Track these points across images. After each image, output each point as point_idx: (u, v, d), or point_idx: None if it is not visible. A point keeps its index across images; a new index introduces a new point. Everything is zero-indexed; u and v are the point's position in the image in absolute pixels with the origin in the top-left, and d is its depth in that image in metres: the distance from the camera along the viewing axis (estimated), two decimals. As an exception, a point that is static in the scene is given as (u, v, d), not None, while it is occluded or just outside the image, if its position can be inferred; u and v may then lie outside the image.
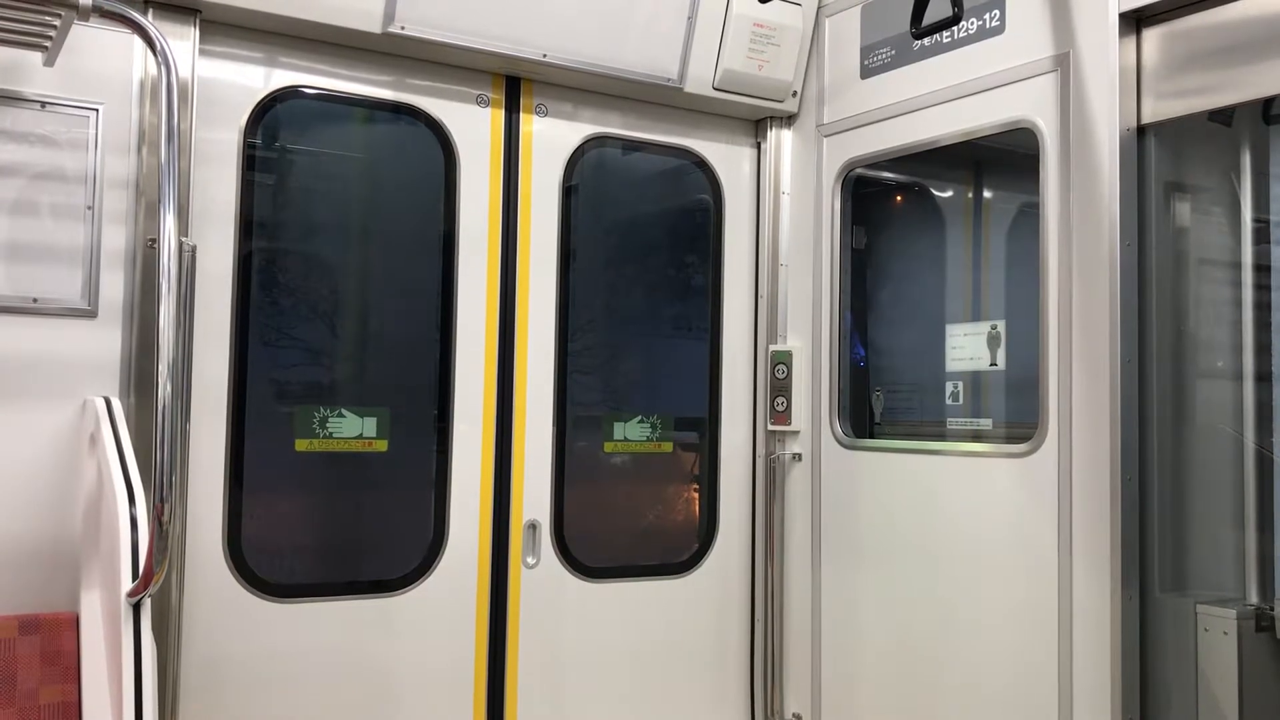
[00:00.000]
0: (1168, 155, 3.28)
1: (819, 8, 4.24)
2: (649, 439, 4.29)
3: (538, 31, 3.80)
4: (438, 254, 3.85)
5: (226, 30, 3.47)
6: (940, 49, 3.73)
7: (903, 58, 3.88)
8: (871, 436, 4.25)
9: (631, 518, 4.39)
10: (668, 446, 4.35)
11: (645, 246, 4.49)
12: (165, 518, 2.47)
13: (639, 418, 4.26)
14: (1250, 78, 2.99)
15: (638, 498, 4.40)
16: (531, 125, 4.02)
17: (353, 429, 3.68)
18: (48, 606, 3.07)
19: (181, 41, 3.31)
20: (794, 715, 4.22)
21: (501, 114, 3.96)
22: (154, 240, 3.16)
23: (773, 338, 4.37)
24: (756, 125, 4.48)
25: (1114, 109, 3.19)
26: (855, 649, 3.98)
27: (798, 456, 4.25)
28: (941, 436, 4.03)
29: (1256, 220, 3.37)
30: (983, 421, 3.96)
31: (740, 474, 4.40)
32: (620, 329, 4.39)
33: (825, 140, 4.22)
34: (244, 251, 3.51)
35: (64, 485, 3.13)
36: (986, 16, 3.58)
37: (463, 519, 3.81)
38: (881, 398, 4.38)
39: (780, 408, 4.27)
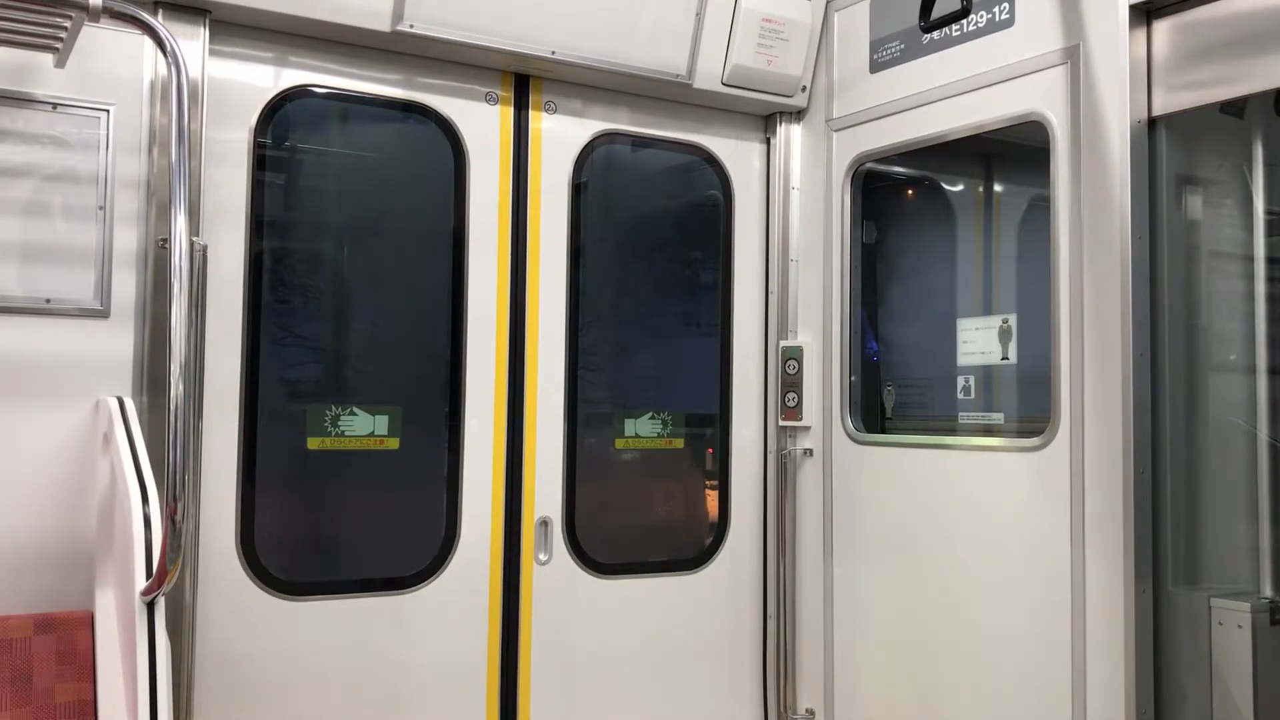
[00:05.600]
0: (1179, 148, 3.26)
1: (828, 2, 4.22)
2: (660, 435, 4.29)
3: (546, 29, 3.80)
4: (448, 252, 3.85)
5: (236, 30, 3.48)
6: (950, 42, 3.72)
7: (912, 52, 3.87)
8: (883, 432, 4.25)
9: (643, 514, 4.40)
10: (679, 443, 4.35)
11: (655, 243, 4.49)
12: (178, 516, 2.48)
13: (650, 414, 4.27)
14: (1261, 69, 2.97)
15: (649, 494, 4.40)
16: (541, 122, 4.02)
17: (364, 427, 3.69)
18: (63, 606, 3.09)
19: (191, 42, 3.32)
20: (807, 710, 4.22)
21: (510, 111, 3.96)
22: (165, 240, 3.17)
23: (783, 333, 4.37)
24: (766, 121, 4.47)
25: (1124, 101, 3.18)
26: (868, 644, 3.98)
27: (809, 452, 4.24)
28: (953, 431, 4.02)
29: (1269, 212, 3.36)
30: (994, 416, 3.95)
31: (752, 470, 4.40)
32: (630, 325, 4.39)
33: (835, 135, 4.21)
34: (255, 251, 3.52)
35: (78, 485, 3.15)
36: (996, 9, 3.57)
37: (474, 516, 3.82)
38: (893, 393, 4.37)
39: (791, 403, 4.26)
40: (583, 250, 4.09)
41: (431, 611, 3.73)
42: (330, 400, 3.67)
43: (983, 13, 3.60)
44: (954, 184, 4.49)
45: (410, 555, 3.77)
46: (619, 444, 4.22)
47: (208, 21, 3.38)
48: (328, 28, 3.54)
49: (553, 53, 3.83)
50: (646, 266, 4.45)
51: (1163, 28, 3.19)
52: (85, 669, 2.97)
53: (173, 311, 2.60)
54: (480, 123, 3.90)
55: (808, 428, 4.24)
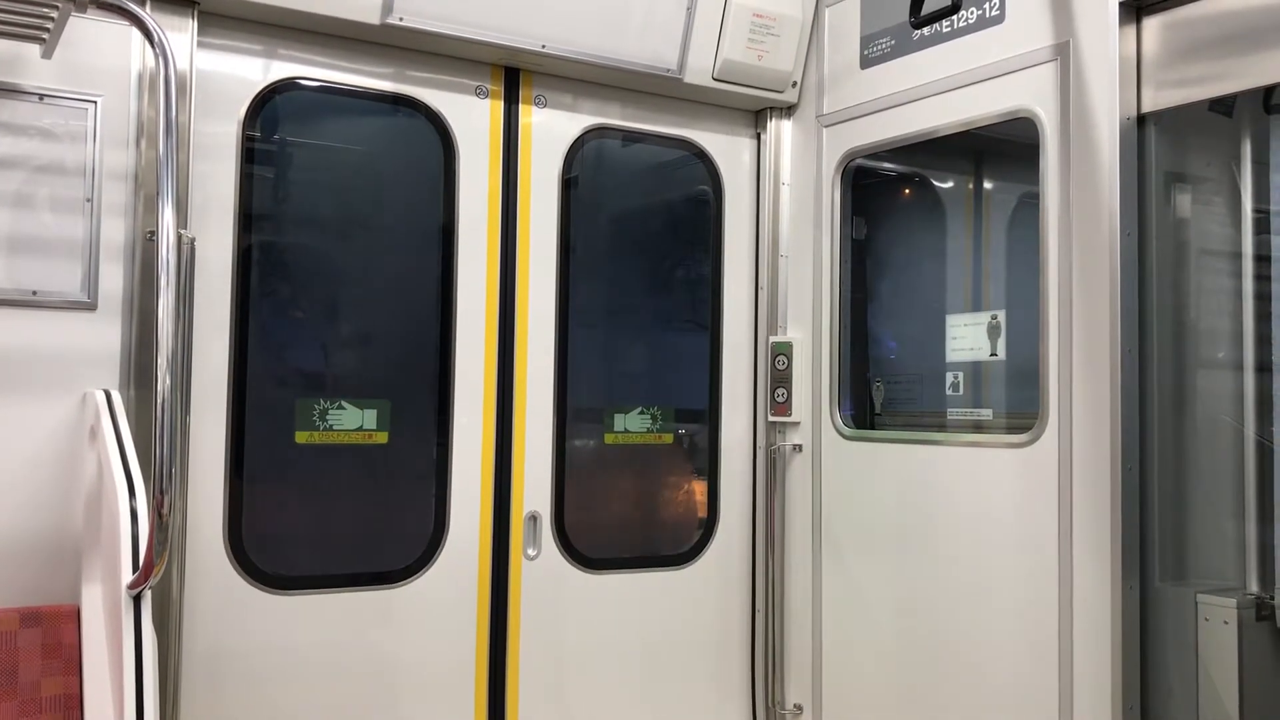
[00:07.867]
0: (1168, 145, 3.27)
1: (819, -2, 4.23)
2: (649, 430, 4.29)
3: (537, 22, 3.79)
4: (437, 246, 3.85)
5: (224, 22, 3.46)
6: (940, 39, 3.72)
7: (903, 48, 3.87)
8: (872, 427, 4.25)
9: (632, 509, 4.40)
10: (668, 438, 4.35)
11: (645, 238, 4.49)
12: (165, 510, 2.47)
13: (639, 409, 4.26)
14: (1251, 66, 2.98)
15: (638, 489, 4.40)
16: (531, 116, 4.01)
17: (353, 421, 3.68)
18: (49, 599, 3.08)
19: (179, 34, 3.30)
20: (795, 706, 4.23)
21: (500, 105, 3.95)
22: (153, 233, 3.16)
23: (773, 329, 4.37)
24: (756, 116, 4.47)
25: (1114, 98, 3.19)
26: (856, 639, 3.98)
27: (798, 448, 4.25)
28: (942, 427, 4.03)
29: (1257, 210, 3.36)
30: (983, 412, 3.96)
31: (741, 465, 4.40)
32: (620, 320, 4.39)
33: (825, 131, 4.21)
34: (243, 244, 3.51)
35: (65, 478, 3.14)
36: (986, 6, 3.57)
37: (463, 511, 3.81)
38: (882, 388, 4.38)
39: (781, 399, 4.27)
40: (572, 245, 4.09)
41: (420, 606, 3.73)
42: (319, 394, 3.66)
43: (973, 9, 3.60)
44: (944, 180, 4.50)
45: (399, 550, 3.76)
46: (608, 439, 4.22)
47: (196, 13, 3.37)
48: (317, 20, 3.53)
49: (543, 46, 3.82)
50: (636, 261, 4.45)
51: (1152, 25, 3.19)
52: (71, 663, 2.96)
53: (160, 304, 2.59)
54: (470, 116, 3.89)
55: (797, 423, 4.24)
